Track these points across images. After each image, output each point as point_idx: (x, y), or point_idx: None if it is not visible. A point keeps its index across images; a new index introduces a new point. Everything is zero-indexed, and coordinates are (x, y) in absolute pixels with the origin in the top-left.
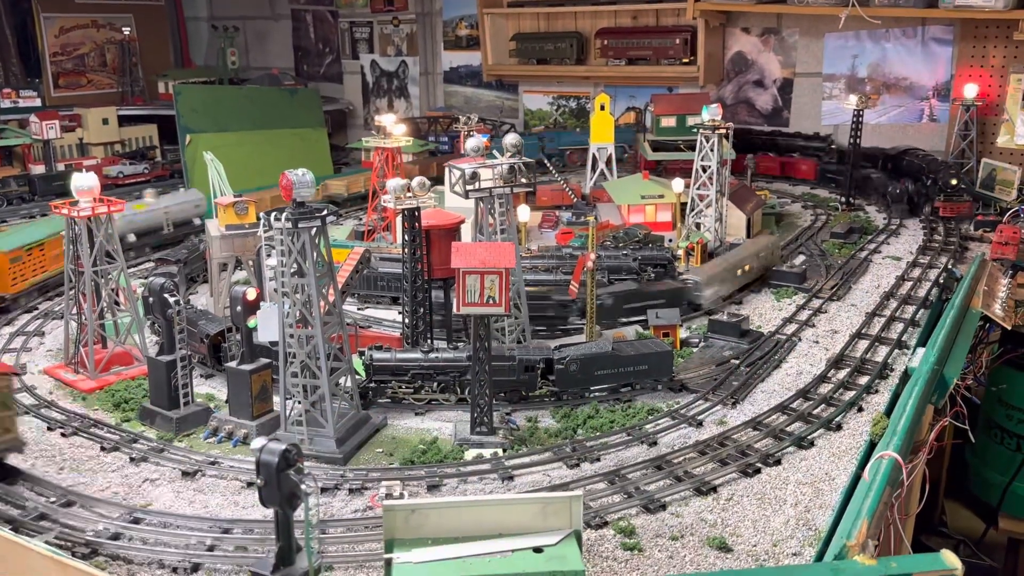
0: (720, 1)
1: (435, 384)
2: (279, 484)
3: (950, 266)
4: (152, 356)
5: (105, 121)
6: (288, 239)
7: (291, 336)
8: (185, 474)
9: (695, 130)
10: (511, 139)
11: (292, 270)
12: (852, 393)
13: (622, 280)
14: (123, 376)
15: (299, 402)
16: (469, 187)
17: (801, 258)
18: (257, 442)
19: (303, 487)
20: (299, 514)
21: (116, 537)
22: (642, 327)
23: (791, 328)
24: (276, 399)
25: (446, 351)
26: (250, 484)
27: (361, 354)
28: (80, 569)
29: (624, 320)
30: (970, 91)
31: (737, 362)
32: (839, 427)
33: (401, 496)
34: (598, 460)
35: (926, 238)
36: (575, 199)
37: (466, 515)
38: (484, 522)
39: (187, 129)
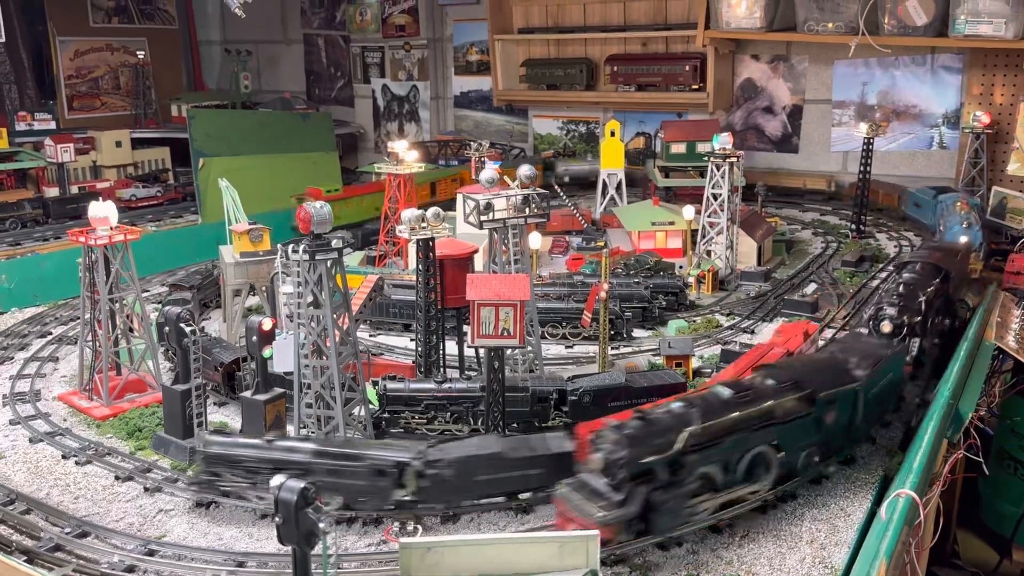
0: (730, 29)
1: (448, 414)
2: (297, 522)
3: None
4: (166, 384)
5: (118, 144)
6: (305, 270)
7: (306, 367)
8: (199, 504)
9: (705, 157)
10: (524, 170)
11: (308, 301)
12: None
13: (633, 308)
14: (137, 403)
15: (313, 433)
16: (483, 217)
17: (812, 287)
18: (276, 479)
19: (321, 525)
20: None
21: (131, 570)
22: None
23: None
24: (290, 428)
25: (459, 381)
26: (264, 516)
27: (375, 383)
28: None
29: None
30: (980, 119)
31: None
32: (852, 460)
33: (415, 530)
34: None
35: None
36: (585, 224)
37: (482, 553)
38: (501, 561)
39: (200, 153)
